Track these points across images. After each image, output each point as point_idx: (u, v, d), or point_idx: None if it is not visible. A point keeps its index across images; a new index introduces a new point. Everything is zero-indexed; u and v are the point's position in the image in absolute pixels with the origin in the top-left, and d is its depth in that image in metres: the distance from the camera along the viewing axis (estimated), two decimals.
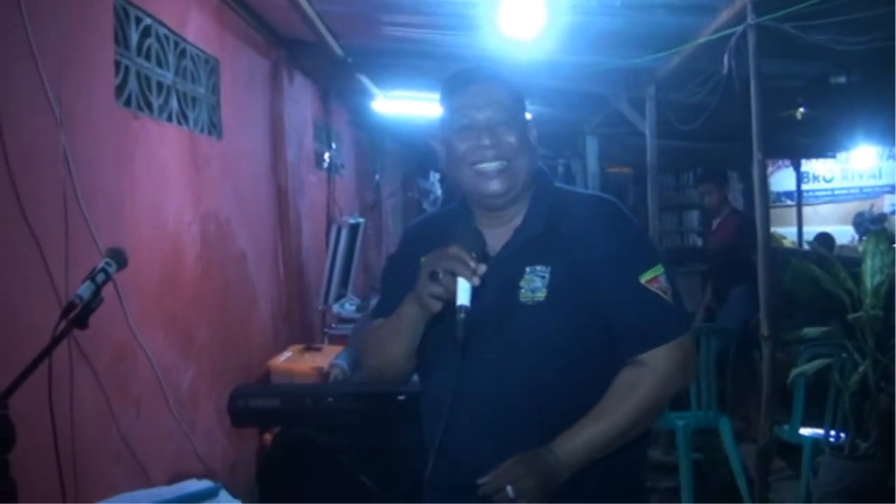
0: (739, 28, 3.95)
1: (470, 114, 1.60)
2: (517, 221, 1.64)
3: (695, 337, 1.68)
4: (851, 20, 3.65)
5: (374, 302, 5.91)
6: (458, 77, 1.66)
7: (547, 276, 1.56)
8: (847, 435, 3.67)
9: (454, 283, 1.45)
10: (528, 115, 1.71)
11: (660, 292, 1.56)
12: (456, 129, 1.61)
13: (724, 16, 4.11)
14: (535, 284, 1.56)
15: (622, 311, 1.57)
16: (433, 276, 1.47)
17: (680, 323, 1.61)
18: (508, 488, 1.45)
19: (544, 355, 1.55)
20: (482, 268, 1.45)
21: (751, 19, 3.82)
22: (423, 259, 1.53)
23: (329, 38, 5.04)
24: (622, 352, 1.57)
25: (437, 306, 1.49)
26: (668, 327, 1.57)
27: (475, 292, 1.47)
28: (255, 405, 3.19)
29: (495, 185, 1.59)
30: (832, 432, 3.93)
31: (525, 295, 1.56)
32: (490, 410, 1.56)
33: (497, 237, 1.63)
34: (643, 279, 1.56)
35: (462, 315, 1.43)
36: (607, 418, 1.53)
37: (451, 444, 1.53)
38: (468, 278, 1.44)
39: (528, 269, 1.58)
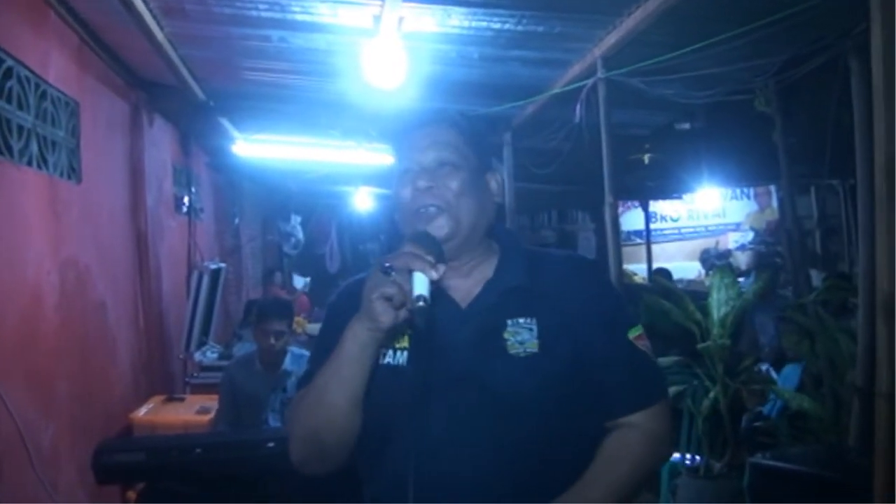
0: (590, 81, 4.25)
1: (411, 156, 1.52)
2: (481, 275, 1.53)
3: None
4: (695, 76, 4.01)
5: (236, 348, 5.87)
6: (407, 122, 1.57)
7: (535, 327, 1.46)
8: (702, 457, 3.91)
9: (409, 282, 1.27)
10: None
11: (647, 350, 1.53)
12: (399, 173, 1.53)
13: (576, 69, 4.42)
14: (522, 336, 1.45)
15: (614, 367, 1.48)
16: (386, 272, 1.29)
17: (664, 383, 1.58)
18: None
19: (531, 409, 1.42)
20: (441, 267, 1.31)
21: (600, 73, 4.14)
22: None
23: (191, 82, 4.98)
24: (611, 411, 1.49)
25: (388, 315, 1.29)
26: (658, 387, 1.54)
27: (450, 346, 1.41)
28: (121, 460, 3.06)
29: (433, 229, 1.45)
30: (688, 455, 4.19)
31: (513, 347, 1.44)
32: (466, 471, 1.41)
33: (459, 290, 1.51)
34: (631, 336, 1.51)
35: (421, 304, 1.25)
36: (604, 483, 1.42)
37: None
38: (426, 272, 1.28)
39: (510, 322, 1.46)
